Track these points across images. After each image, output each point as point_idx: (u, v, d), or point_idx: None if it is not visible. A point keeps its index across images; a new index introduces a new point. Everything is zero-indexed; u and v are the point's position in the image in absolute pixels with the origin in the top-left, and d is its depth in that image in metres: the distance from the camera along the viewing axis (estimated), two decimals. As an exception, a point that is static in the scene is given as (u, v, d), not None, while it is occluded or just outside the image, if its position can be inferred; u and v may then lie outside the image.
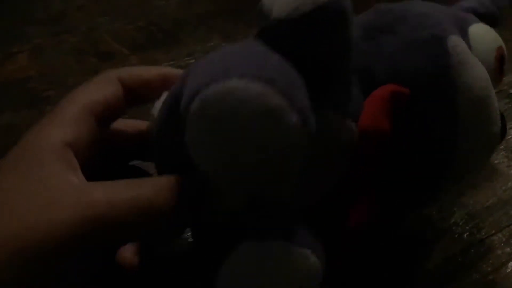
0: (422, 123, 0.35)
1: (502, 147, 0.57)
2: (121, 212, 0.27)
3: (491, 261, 0.44)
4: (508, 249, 0.45)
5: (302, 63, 0.27)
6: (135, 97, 0.36)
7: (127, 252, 0.35)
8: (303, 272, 0.28)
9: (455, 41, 0.35)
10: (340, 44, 0.28)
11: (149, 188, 0.28)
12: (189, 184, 0.29)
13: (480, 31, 0.40)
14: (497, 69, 0.40)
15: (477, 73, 0.36)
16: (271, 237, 0.28)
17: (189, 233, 0.41)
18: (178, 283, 0.38)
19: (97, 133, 0.32)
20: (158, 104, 0.34)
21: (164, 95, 0.34)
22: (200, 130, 0.24)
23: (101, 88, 0.34)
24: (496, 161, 0.55)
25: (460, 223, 0.47)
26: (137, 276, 0.35)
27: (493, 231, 0.47)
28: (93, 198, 0.27)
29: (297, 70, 0.27)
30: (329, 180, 0.33)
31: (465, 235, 0.46)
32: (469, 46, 0.37)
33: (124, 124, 0.37)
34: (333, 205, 0.34)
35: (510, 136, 0.58)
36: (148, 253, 0.35)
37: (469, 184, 0.51)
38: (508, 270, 0.43)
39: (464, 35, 0.38)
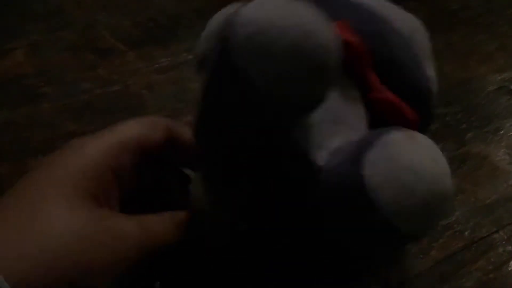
0: None
1: (503, 144, 0.56)
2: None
3: (492, 259, 0.44)
4: (510, 247, 0.45)
5: None
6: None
7: None
8: None
9: None
10: None
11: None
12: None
13: None
14: None
15: None
16: None
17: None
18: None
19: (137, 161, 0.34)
20: None
21: None
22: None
23: (150, 126, 0.35)
24: (497, 159, 0.54)
25: (462, 221, 0.47)
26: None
27: (495, 229, 0.46)
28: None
29: None
30: None
31: (466, 232, 0.46)
32: None
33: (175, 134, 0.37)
34: None
35: (511, 133, 0.58)
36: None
37: (470, 181, 0.51)
38: (510, 269, 0.43)
39: None
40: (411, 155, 0.28)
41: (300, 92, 0.27)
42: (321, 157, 0.31)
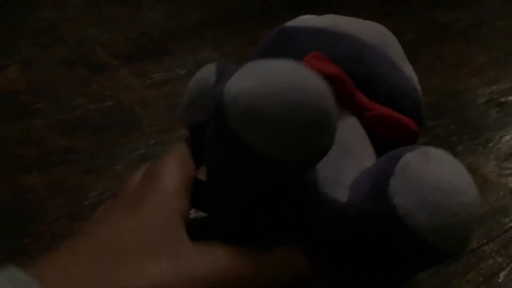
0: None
1: (493, 156, 0.57)
2: None
3: (482, 271, 0.44)
4: (500, 258, 0.45)
5: None
6: None
7: None
8: None
9: None
10: None
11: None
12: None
13: None
14: None
15: None
16: None
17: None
18: None
19: None
20: None
21: None
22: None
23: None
24: (487, 171, 0.55)
25: (452, 233, 0.47)
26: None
27: (485, 241, 0.47)
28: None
29: None
30: None
31: (456, 245, 0.46)
32: None
33: None
34: None
35: (501, 145, 0.58)
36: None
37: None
38: (500, 280, 0.43)
39: None
40: (433, 174, 0.28)
41: (308, 150, 0.27)
42: (342, 194, 0.31)
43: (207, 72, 0.39)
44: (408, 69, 0.41)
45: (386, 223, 0.29)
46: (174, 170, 0.32)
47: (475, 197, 0.29)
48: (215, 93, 0.28)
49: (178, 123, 0.61)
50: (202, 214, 0.36)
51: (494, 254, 0.45)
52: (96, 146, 0.57)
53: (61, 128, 0.59)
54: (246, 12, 0.90)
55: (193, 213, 0.33)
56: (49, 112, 0.62)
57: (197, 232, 0.30)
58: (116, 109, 0.64)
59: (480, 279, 0.43)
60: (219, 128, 0.28)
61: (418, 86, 0.41)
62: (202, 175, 0.34)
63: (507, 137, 0.60)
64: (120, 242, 0.27)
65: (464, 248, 0.29)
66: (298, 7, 0.91)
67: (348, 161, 0.34)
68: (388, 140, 0.37)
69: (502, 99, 0.67)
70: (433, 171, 0.29)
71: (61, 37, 0.80)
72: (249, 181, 0.29)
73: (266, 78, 0.26)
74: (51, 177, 0.52)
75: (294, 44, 0.42)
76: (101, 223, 0.29)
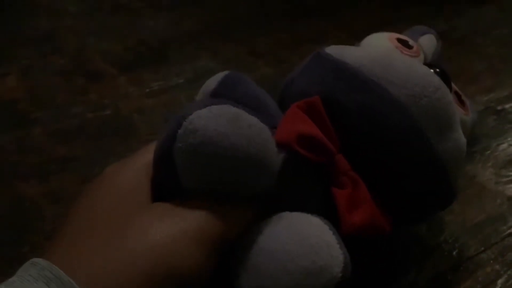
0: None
1: (490, 164, 0.57)
2: None
3: (480, 279, 0.44)
4: (497, 266, 0.45)
5: None
6: None
7: None
8: None
9: None
10: None
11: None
12: None
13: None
14: None
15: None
16: None
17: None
18: None
19: None
20: None
21: None
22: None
23: None
24: (484, 178, 0.55)
25: (450, 240, 0.47)
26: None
27: (482, 248, 0.47)
28: None
29: None
30: None
31: (454, 252, 0.46)
32: None
33: None
34: None
35: (498, 153, 0.59)
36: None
37: (458, 201, 0.51)
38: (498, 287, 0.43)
39: None
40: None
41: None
42: None
43: (214, 79, 0.41)
44: (443, 138, 0.37)
45: None
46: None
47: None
48: (176, 118, 0.32)
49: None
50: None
51: (491, 261, 0.45)
52: (95, 155, 0.57)
53: (60, 137, 0.60)
54: (244, 21, 0.91)
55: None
56: (48, 120, 0.62)
57: None
58: (114, 118, 0.64)
59: (478, 286, 0.43)
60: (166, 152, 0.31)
61: (450, 162, 0.37)
62: None
63: (504, 145, 0.60)
64: (104, 217, 0.31)
65: None
66: (297, 16, 0.91)
67: None
68: None
69: (499, 107, 0.67)
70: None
71: (59, 46, 0.80)
72: None
73: (214, 124, 0.30)
74: (49, 185, 0.52)
75: (316, 75, 0.39)
76: (80, 208, 0.33)
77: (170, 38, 0.84)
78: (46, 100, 0.67)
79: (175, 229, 0.29)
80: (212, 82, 0.41)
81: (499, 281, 0.44)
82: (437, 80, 0.38)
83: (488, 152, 0.59)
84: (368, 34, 0.49)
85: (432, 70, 0.40)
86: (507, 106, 0.67)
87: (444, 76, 0.41)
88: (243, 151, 0.30)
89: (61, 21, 0.90)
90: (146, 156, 0.35)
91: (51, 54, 0.78)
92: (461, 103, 0.48)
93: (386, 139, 0.36)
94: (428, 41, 0.51)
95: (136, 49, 0.81)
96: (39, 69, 0.74)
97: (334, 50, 0.40)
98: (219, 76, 0.41)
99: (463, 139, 0.39)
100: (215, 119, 0.30)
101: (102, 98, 0.67)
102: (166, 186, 0.33)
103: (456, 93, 0.48)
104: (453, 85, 0.45)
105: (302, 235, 0.31)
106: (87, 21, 0.91)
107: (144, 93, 0.69)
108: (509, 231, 0.49)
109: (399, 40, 0.46)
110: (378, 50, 0.42)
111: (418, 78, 0.37)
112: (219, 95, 0.39)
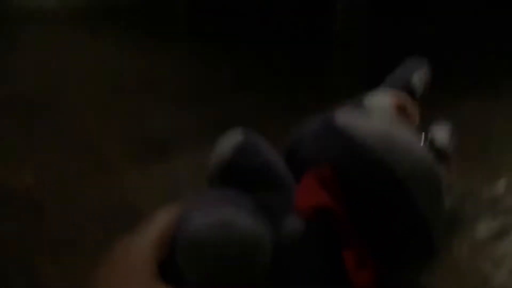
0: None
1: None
2: None
3: None
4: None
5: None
6: None
7: None
8: None
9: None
10: None
11: None
12: None
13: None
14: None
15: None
16: None
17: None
18: None
19: None
20: None
21: None
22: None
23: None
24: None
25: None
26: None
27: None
28: None
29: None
30: None
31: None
32: None
33: None
34: None
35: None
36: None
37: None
38: None
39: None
40: None
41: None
42: None
43: (227, 144, 0.43)
44: (432, 209, 0.43)
45: None
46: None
47: None
48: (183, 232, 0.37)
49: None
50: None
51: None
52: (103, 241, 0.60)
53: (70, 223, 0.65)
54: (245, 116, 0.96)
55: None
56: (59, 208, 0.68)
57: None
58: (122, 208, 0.68)
59: None
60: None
61: (436, 230, 0.43)
62: None
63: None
64: None
65: None
66: (298, 110, 0.94)
67: None
68: None
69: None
70: None
71: (71, 143, 0.87)
72: None
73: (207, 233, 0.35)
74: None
75: (325, 145, 0.44)
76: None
77: (175, 132, 0.89)
78: (57, 190, 0.72)
79: None
80: (226, 149, 0.42)
81: None
82: (430, 159, 0.44)
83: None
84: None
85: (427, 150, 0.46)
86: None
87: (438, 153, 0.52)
88: (234, 256, 0.35)
89: (73, 121, 0.96)
90: (153, 229, 0.40)
91: (64, 151, 0.84)
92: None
93: (383, 208, 0.42)
94: (418, 80, 0.59)
95: (141, 143, 0.87)
96: (53, 164, 0.80)
97: (342, 120, 0.45)
98: (232, 141, 0.43)
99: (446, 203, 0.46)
100: (209, 230, 0.35)
101: (110, 189, 0.72)
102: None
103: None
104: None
105: None
106: (98, 123, 0.97)
107: (150, 183, 0.74)
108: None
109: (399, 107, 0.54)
110: (382, 124, 0.47)
111: (416, 156, 0.43)
112: (235, 166, 0.42)
